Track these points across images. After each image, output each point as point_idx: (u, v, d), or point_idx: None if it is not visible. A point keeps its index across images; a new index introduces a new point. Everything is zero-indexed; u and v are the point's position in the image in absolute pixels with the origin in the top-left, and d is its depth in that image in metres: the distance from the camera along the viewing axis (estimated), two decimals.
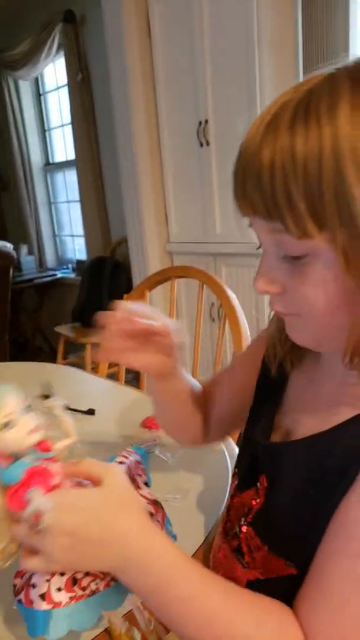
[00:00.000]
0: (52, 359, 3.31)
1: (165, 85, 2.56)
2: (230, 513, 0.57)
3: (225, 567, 0.55)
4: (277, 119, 0.40)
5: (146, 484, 0.52)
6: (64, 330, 3.14)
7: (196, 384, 0.71)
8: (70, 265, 3.98)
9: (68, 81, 3.21)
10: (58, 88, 3.75)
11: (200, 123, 2.42)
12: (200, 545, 0.62)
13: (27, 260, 3.97)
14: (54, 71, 3.73)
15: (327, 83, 0.40)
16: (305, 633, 0.43)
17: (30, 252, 4.07)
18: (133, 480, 0.50)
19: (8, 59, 3.57)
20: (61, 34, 3.15)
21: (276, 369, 0.57)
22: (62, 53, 3.26)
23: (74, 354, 3.42)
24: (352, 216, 0.39)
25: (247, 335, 0.99)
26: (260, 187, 0.42)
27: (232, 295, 1.04)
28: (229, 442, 0.87)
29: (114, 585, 0.46)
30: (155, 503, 0.51)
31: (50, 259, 4.16)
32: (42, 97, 3.95)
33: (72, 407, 1.06)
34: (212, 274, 1.12)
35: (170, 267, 1.24)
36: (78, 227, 3.89)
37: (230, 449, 0.85)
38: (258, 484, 0.53)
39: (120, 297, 2.99)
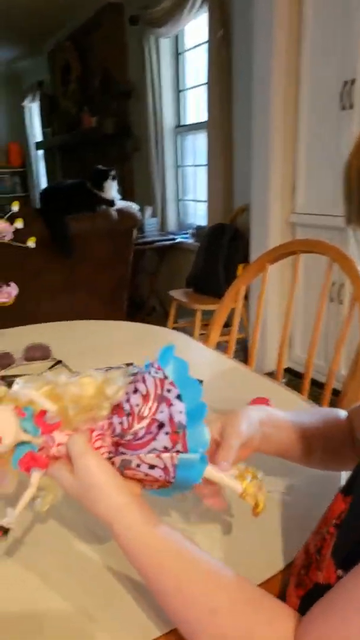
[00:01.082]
0: (164, 320, 3.38)
1: (311, 40, 2.37)
2: (327, 513, 0.53)
3: (302, 564, 0.51)
4: None
5: (179, 397, 0.47)
6: (178, 294, 3.18)
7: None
8: (189, 231, 3.98)
9: (208, 38, 3.12)
10: (197, 46, 3.68)
11: (345, 83, 2.22)
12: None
13: (150, 223, 4.04)
14: (195, 29, 3.65)
15: None
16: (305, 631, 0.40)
17: (153, 215, 4.14)
18: (163, 399, 0.47)
19: (151, 16, 3.56)
20: None
21: None
22: (204, 8, 3.17)
23: (184, 319, 3.46)
24: None
25: None
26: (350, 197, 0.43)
27: None
28: None
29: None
30: (177, 432, 0.46)
31: (171, 222, 4.19)
32: (179, 57, 3.91)
33: None
34: (345, 251, 1.02)
35: (297, 240, 1.15)
36: (201, 192, 3.86)
37: None
38: None
39: (236, 267, 2.92)
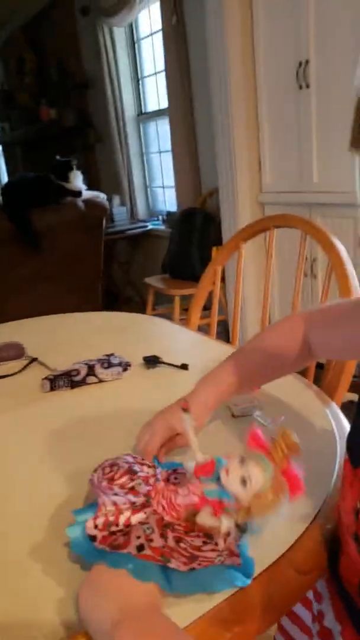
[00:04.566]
0: (142, 309, 3.36)
1: (263, 23, 2.39)
2: (344, 490, 0.53)
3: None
4: None
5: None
6: (154, 281, 3.16)
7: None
8: (160, 217, 3.95)
9: (162, 25, 3.08)
10: (152, 34, 3.63)
11: (300, 64, 2.24)
12: (312, 520, 0.56)
13: (120, 212, 4.01)
14: (149, 16, 3.60)
15: None
16: None
17: (122, 204, 4.09)
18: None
19: (104, 5, 3.49)
20: None
21: None
22: None
23: (162, 305, 3.45)
24: None
25: (358, 292, 0.89)
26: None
27: (340, 248, 0.94)
28: (333, 407, 0.80)
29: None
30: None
31: (141, 210, 4.16)
32: (135, 45, 3.85)
33: (165, 360, 1.03)
34: (316, 225, 1.02)
35: (269, 216, 1.14)
36: (169, 178, 3.84)
37: (334, 413, 0.80)
38: None
39: (209, 250, 2.90)
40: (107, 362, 1.02)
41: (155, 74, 3.73)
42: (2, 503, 0.66)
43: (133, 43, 3.86)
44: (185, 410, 0.58)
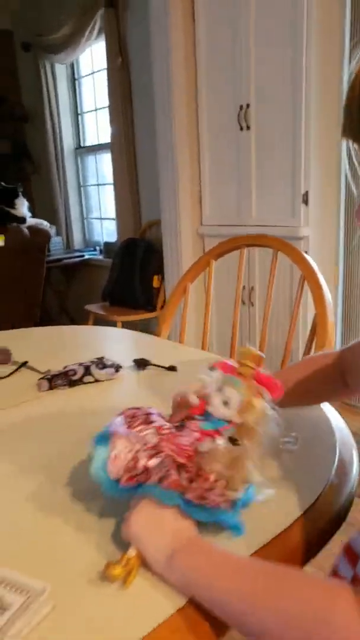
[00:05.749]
0: None
1: (207, 68, 2.59)
2: None
3: None
4: None
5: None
6: (95, 308, 3.21)
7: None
8: (97, 247, 4.03)
9: (107, 65, 3.25)
10: (93, 72, 3.79)
11: (241, 107, 2.45)
12: (321, 493, 0.62)
13: (55, 241, 4.03)
14: (90, 55, 3.76)
15: None
16: None
17: (57, 234, 4.13)
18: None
19: (48, 42, 3.61)
20: (102, 19, 3.18)
21: None
22: (100, 37, 3.30)
23: None
24: None
25: (330, 305, 1.01)
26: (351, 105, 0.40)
27: (312, 261, 1.08)
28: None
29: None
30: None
31: (77, 240, 4.22)
32: (76, 82, 3.99)
33: (154, 362, 1.11)
34: (288, 242, 1.16)
35: (242, 235, 1.27)
36: (106, 210, 3.94)
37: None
38: None
39: (151, 278, 2.97)
40: (100, 364, 1.08)
41: (96, 110, 3.88)
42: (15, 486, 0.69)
43: (74, 79, 4.00)
44: (212, 368, 0.63)
